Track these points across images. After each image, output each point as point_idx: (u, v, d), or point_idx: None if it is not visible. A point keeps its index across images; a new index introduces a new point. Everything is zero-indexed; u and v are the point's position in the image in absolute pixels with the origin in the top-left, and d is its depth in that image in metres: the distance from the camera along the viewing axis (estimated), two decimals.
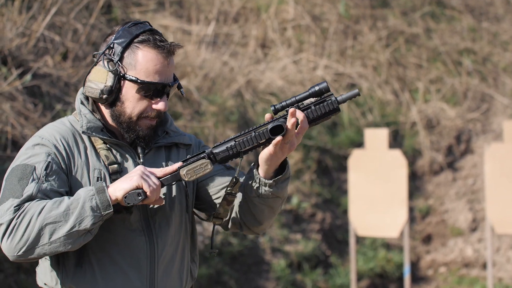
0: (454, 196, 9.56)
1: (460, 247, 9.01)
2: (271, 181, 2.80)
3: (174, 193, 2.90)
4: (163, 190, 2.86)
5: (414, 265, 8.86)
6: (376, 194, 7.45)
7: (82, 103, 2.84)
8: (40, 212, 2.58)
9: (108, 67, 2.77)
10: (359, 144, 9.30)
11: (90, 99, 2.85)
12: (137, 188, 2.64)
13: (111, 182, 2.76)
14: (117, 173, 2.79)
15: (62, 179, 2.72)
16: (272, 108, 2.78)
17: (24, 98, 7.15)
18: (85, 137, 2.82)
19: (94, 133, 2.79)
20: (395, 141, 9.80)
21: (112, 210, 2.62)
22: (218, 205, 2.92)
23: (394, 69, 10.57)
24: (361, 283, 8.37)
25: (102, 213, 2.60)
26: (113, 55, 2.78)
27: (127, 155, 2.84)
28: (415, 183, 9.67)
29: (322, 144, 9.36)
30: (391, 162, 7.46)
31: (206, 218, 3.01)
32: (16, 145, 6.80)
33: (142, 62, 2.76)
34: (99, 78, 2.78)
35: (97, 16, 8.71)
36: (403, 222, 7.34)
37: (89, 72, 2.81)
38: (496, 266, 8.79)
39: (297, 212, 8.64)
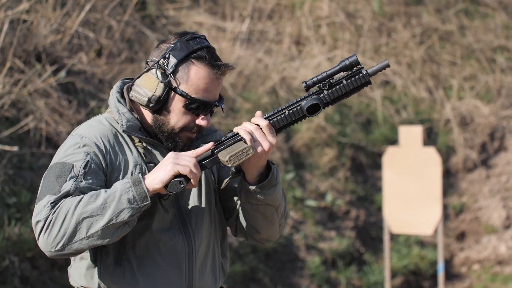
0: (487, 194, 9.53)
1: (493, 245, 8.99)
2: (254, 187, 2.79)
3: (204, 189, 2.91)
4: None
5: (448, 263, 8.86)
6: (410, 192, 7.45)
7: (119, 101, 2.84)
8: (76, 206, 2.58)
9: (160, 77, 2.77)
10: (393, 141, 9.29)
11: (126, 97, 2.86)
12: (175, 176, 2.65)
13: None
14: None
15: (100, 179, 2.71)
16: (304, 84, 2.77)
17: (59, 95, 7.18)
18: (124, 135, 2.83)
19: (133, 132, 2.80)
20: (429, 138, 9.78)
21: (149, 201, 2.62)
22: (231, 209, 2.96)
23: (428, 66, 10.54)
24: (395, 280, 8.38)
25: (140, 204, 2.61)
26: (167, 66, 2.77)
27: (161, 155, 2.84)
28: (449, 180, 9.65)
29: (356, 141, 9.37)
30: (425, 159, 7.46)
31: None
32: (51, 142, 6.83)
33: (194, 78, 2.76)
34: (149, 86, 2.78)
35: (131, 13, 8.73)
36: (437, 220, 7.35)
37: (139, 76, 2.82)
38: None
39: (331, 209, 8.66)
